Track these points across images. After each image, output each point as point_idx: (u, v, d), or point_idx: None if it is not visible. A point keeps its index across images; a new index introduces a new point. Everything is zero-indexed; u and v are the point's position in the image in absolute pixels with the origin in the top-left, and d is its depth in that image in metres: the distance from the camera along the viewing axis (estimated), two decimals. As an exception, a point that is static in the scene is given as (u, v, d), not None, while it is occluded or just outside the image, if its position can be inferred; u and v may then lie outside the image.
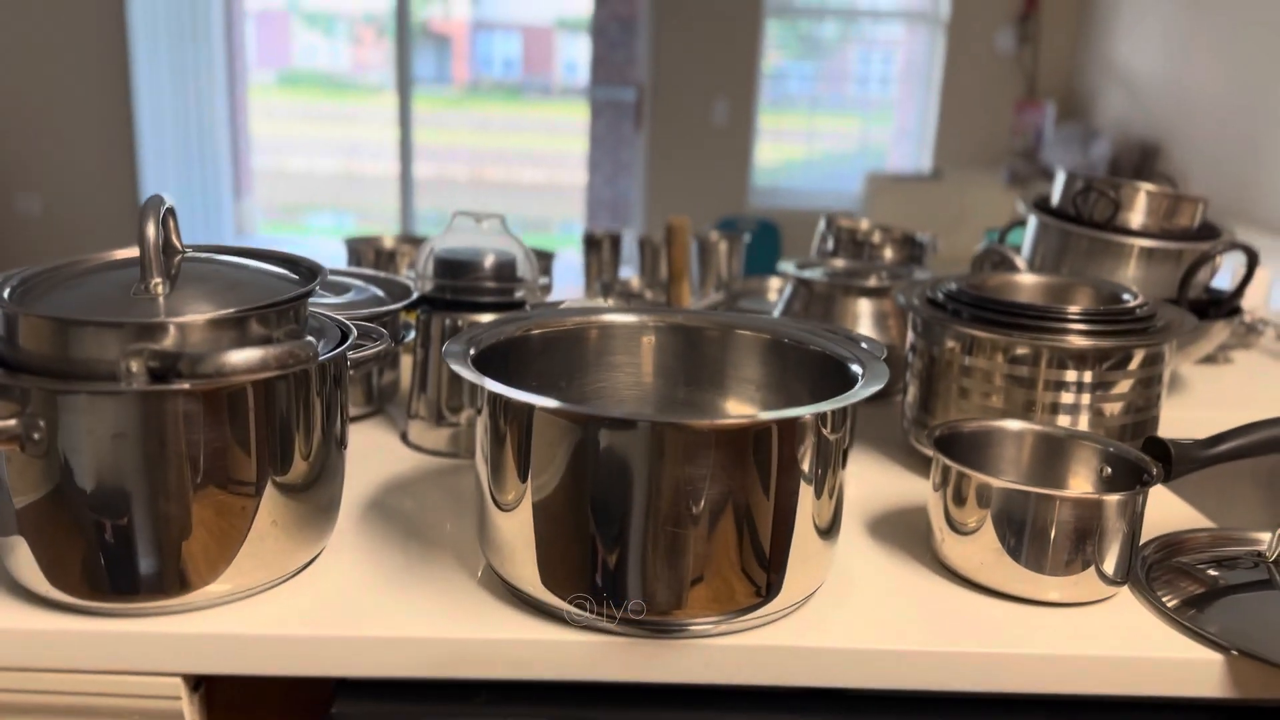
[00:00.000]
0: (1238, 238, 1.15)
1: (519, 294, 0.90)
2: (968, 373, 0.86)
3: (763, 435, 0.59)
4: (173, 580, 0.62)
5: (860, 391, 0.62)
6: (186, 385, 0.58)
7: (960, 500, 0.70)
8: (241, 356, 0.58)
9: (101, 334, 0.59)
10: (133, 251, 0.71)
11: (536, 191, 7.68)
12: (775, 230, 4.75)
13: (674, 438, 0.58)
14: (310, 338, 0.65)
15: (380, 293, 1.03)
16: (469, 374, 0.63)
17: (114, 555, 0.61)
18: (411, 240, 1.48)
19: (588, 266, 1.52)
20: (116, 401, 0.58)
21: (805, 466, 0.61)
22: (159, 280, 0.62)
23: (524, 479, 0.62)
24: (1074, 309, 0.83)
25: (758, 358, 0.79)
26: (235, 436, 0.62)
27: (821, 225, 1.31)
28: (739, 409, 0.79)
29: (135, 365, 0.58)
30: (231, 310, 0.61)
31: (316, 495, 0.68)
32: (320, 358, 0.65)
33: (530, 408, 0.61)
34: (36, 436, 0.58)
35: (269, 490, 0.64)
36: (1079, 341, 0.82)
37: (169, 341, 0.59)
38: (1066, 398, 0.83)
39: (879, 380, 0.64)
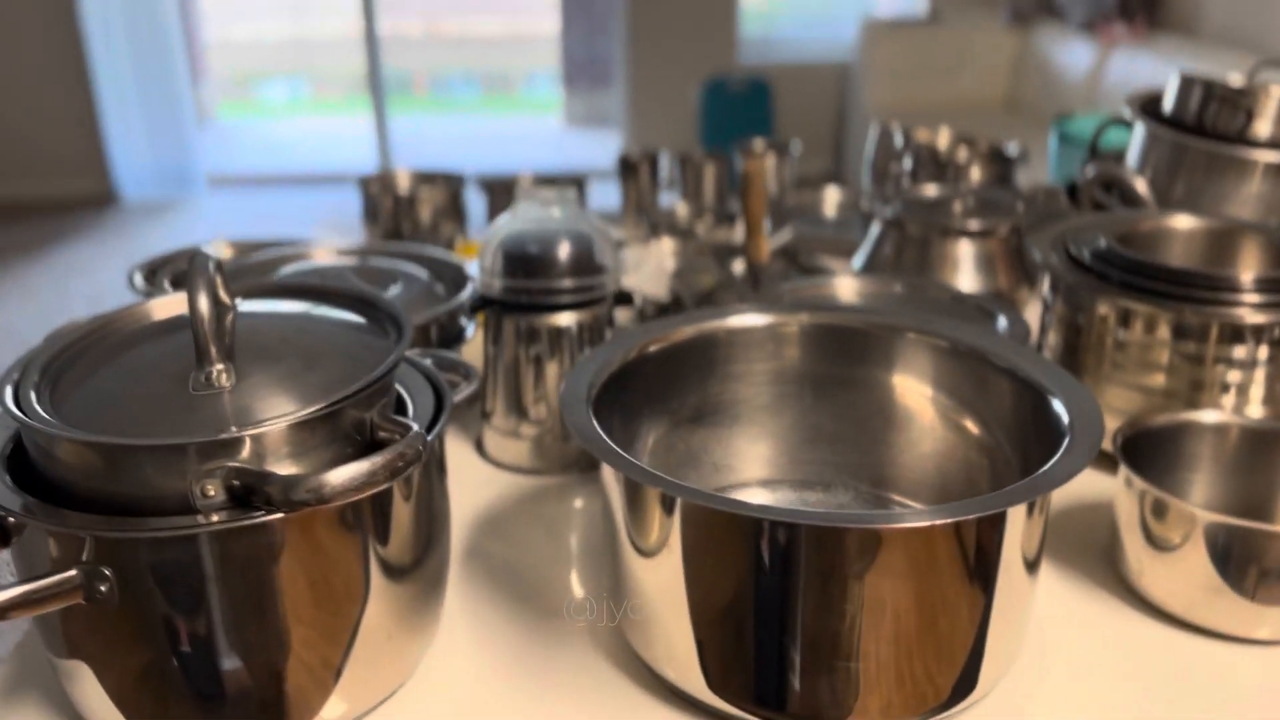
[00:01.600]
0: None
1: (599, 287, 0.78)
2: (1121, 347, 0.76)
3: (966, 529, 0.49)
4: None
5: (1078, 459, 0.51)
6: (279, 515, 0.47)
7: (1163, 526, 0.61)
8: (345, 475, 0.47)
9: (166, 456, 0.47)
10: (171, 305, 0.59)
11: (497, 44, 7.25)
12: (767, 89, 4.53)
13: (849, 541, 0.48)
14: (410, 421, 0.53)
15: (425, 275, 0.90)
16: (605, 455, 0.52)
17: (210, 702, 0.51)
18: (428, 179, 1.34)
19: (625, 195, 1.39)
20: (195, 540, 0.48)
21: (1011, 553, 0.51)
22: (221, 369, 0.51)
23: (674, 568, 0.52)
24: (1249, 276, 0.72)
25: (930, 374, 0.67)
26: (339, 557, 0.51)
27: (899, 140, 1.18)
28: (913, 455, 0.68)
29: (213, 489, 0.47)
30: (321, 406, 0.49)
31: (425, 585, 0.58)
32: (429, 438, 0.53)
33: (684, 502, 0.50)
34: (104, 589, 0.48)
35: (376, 600, 0.54)
36: (1257, 317, 0.71)
37: (248, 453, 0.48)
38: (1237, 376, 0.73)
39: (1093, 436, 0.53)
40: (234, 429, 0.47)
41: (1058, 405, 0.57)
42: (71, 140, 4.52)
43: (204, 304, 0.51)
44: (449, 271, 0.91)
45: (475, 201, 1.39)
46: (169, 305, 0.59)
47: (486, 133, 5.99)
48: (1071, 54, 3.75)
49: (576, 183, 1.40)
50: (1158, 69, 3.20)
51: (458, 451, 0.83)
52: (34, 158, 4.55)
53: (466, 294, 0.85)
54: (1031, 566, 0.53)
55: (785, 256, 1.12)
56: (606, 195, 1.57)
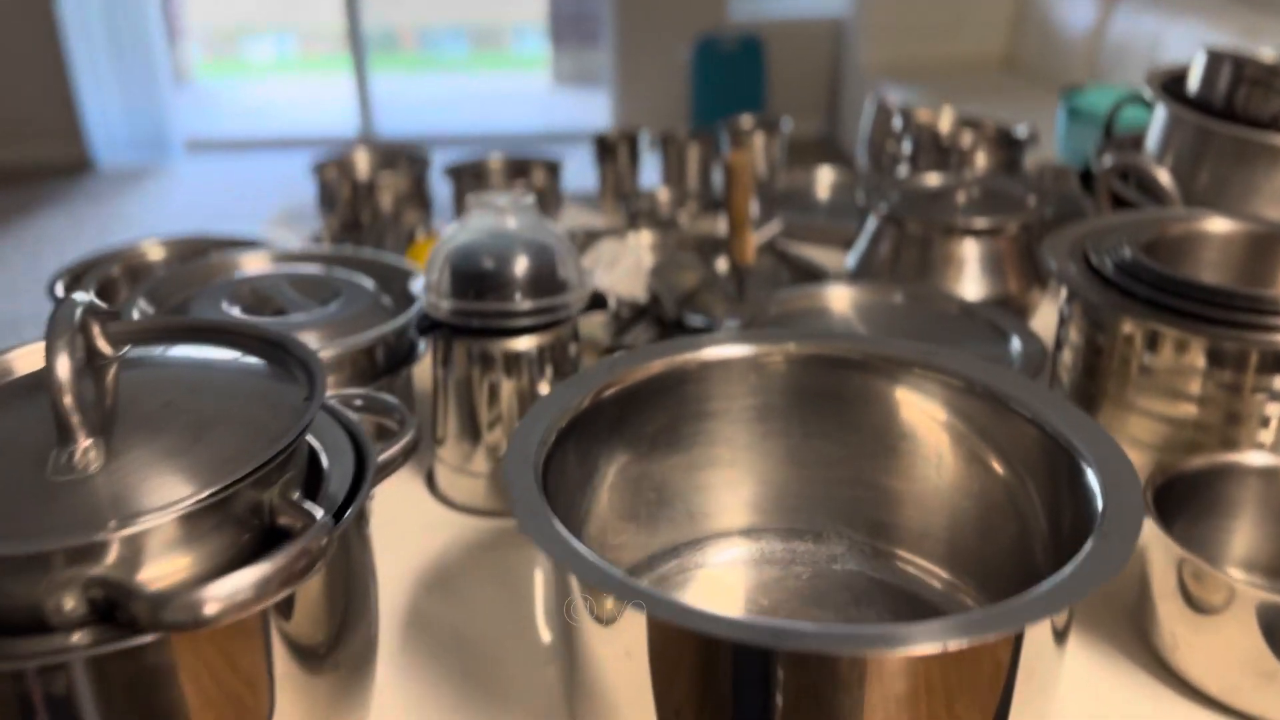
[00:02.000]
0: None
1: (563, 307, 0.69)
2: (1148, 372, 0.67)
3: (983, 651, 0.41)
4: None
5: (1117, 554, 0.43)
6: (149, 638, 0.39)
7: (1202, 590, 0.53)
8: (227, 590, 0.38)
9: (6, 565, 0.39)
10: (36, 356, 0.50)
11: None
12: (759, 46, 4.40)
13: (836, 668, 0.40)
14: (315, 510, 0.45)
15: (371, 285, 0.81)
16: (549, 547, 0.44)
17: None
18: (389, 161, 1.24)
19: (602, 178, 1.29)
20: (51, 667, 0.39)
21: (1033, 662, 0.43)
22: (87, 446, 0.42)
23: (637, 682, 0.44)
24: (1301, 296, 0.64)
25: (937, 415, 0.59)
26: (237, 660, 0.43)
27: (898, 122, 1.08)
28: (917, 500, 0.60)
29: (71, 603, 0.39)
30: (206, 494, 0.41)
31: (347, 673, 0.50)
32: (338, 530, 0.45)
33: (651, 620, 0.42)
34: (-61, 724, 0.39)
35: (287, 702, 0.46)
36: (1309, 341, 0.63)
37: (113, 557, 0.40)
38: (1279, 409, 0.65)
39: (1131, 524, 0.45)
40: (90, 531, 0.39)
41: (1090, 476, 0.48)
42: (43, 104, 4.38)
43: (64, 368, 0.42)
44: (398, 280, 0.82)
45: (442, 186, 1.30)
46: (33, 357, 0.50)
47: (473, 92, 5.84)
48: (1073, 10, 3.62)
49: (550, 167, 1.31)
50: (1163, 27, 3.08)
51: (405, 487, 0.75)
52: (2, 122, 4.40)
53: (416, 308, 0.76)
54: (1051, 674, 0.45)
55: (773, 252, 1.03)
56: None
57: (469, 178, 1.28)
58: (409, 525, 0.70)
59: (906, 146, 1.04)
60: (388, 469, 0.55)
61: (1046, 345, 0.72)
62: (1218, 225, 0.76)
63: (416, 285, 0.69)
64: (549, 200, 1.24)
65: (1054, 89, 3.60)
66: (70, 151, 4.46)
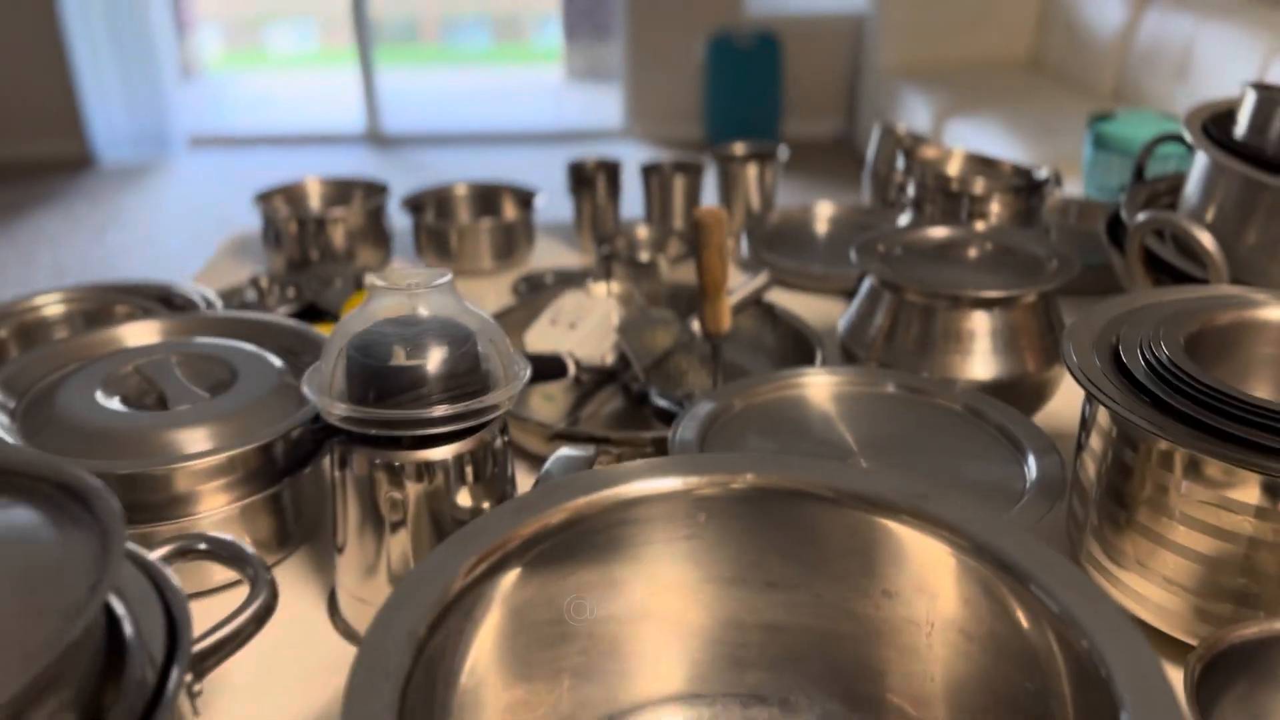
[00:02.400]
0: None
1: (486, 410, 0.58)
2: (1186, 502, 0.55)
3: None
4: None
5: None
6: None
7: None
8: None
9: None
10: None
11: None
12: (775, 44, 4.26)
13: None
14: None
15: (279, 363, 0.70)
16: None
17: None
18: (343, 194, 1.13)
19: (578, 211, 1.18)
20: None
21: None
22: None
23: None
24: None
25: (929, 578, 0.47)
26: None
27: (900, 164, 0.96)
28: (908, 689, 0.49)
29: None
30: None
31: None
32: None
33: None
34: None
35: None
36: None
37: None
38: (1352, 550, 0.53)
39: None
40: None
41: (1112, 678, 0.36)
42: (45, 99, 4.30)
43: None
44: (311, 352, 0.71)
45: (402, 219, 1.19)
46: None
47: (485, 88, 5.73)
48: (1101, 10, 3.47)
49: (525, 199, 1.19)
50: (1196, 28, 2.93)
51: (302, 605, 0.64)
52: (3, 116, 4.33)
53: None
54: None
55: (760, 308, 0.92)
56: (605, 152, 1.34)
57: (431, 210, 1.17)
58: (308, 662, 0.59)
59: (911, 189, 0.93)
60: (234, 641, 0.44)
61: (1066, 461, 0.60)
62: (1267, 314, 0.63)
63: (307, 384, 0.58)
64: (519, 236, 1.13)
65: (1082, 93, 3.45)
66: (71, 147, 4.38)
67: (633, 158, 1.27)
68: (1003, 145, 3.07)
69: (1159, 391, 0.56)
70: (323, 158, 4.42)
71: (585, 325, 0.89)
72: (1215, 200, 0.84)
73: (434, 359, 0.57)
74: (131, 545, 0.43)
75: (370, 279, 0.58)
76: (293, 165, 4.20)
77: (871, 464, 0.60)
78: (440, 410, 0.57)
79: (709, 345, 0.83)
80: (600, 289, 0.93)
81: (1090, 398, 0.61)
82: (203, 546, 0.47)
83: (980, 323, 0.76)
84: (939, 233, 0.85)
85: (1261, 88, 0.83)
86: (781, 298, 0.99)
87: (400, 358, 0.57)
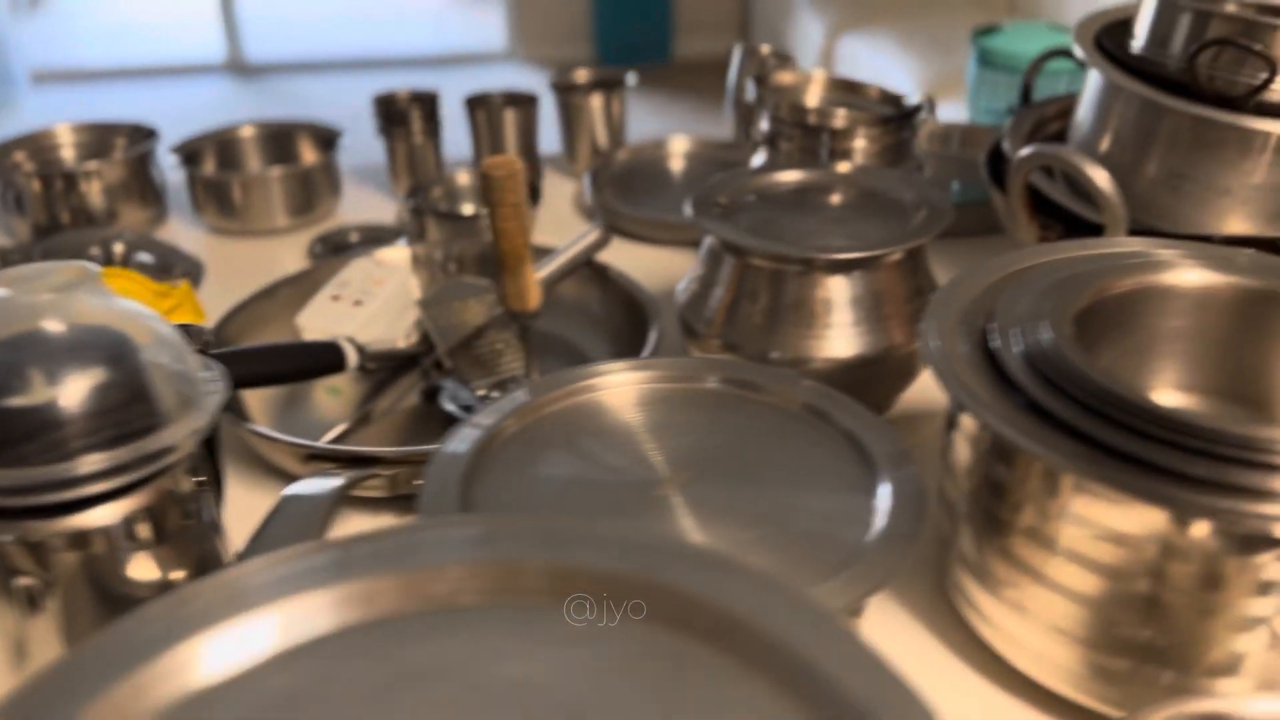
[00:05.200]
0: None
1: (160, 453, 0.43)
2: (1073, 534, 0.43)
3: None
4: None
5: None
6: None
7: None
8: None
9: None
10: None
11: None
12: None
13: None
14: None
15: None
16: None
17: None
18: (103, 139, 0.95)
19: (391, 153, 1.00)
20: None
21: None
22: None
23: None
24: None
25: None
26: None
27: (751, 92, 0.81)
28: None
29: None
30: None
31: None
32: None
33: None
34: None
35: None
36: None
37: None
38: (1268, 607, 0.41)
39: None
40: None
41: None
42: None
43: None
44: None
45: (176, 174, 1.00)
46: None
47: (356, 11, 5.38)
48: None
49: (328, 140, 1.01)
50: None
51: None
52: None
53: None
54: None
55: (593, 272, 0.77)
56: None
57: (210, 158, 0.98)
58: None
59: (764, 124, 0.78)
60: None
61: (925, 487, 0.47)
62: (1188, 277, 0.51)
63: None
64: (320, 185, 0.95)
65: (980, 4, 3.33)
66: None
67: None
68: (896, 63, 2.94)
69: (1039, 394, 0.43)
70: (179, 91, 4.08)
71: (374, 301, 0.74)
72: (1110, 126, 0.71)
73: (71, 390, 0.41)
74: None
75: (-34, 283, 0.42)
76: (148, 101, 3.87)
77: (680, 497, 0.46)
78: (90, 464, 0.41)
79: (517, 330, 0.68)
80: (394, 255, 0.77)
81: (956, 402, 0.48)
82: None
83: (838, 290, 0.62)
84: (793, 176, 0.71)
85: (1165, 1, 0.70)
86: (623, 254, 0.84)
87: (21, 393, 0.41)
